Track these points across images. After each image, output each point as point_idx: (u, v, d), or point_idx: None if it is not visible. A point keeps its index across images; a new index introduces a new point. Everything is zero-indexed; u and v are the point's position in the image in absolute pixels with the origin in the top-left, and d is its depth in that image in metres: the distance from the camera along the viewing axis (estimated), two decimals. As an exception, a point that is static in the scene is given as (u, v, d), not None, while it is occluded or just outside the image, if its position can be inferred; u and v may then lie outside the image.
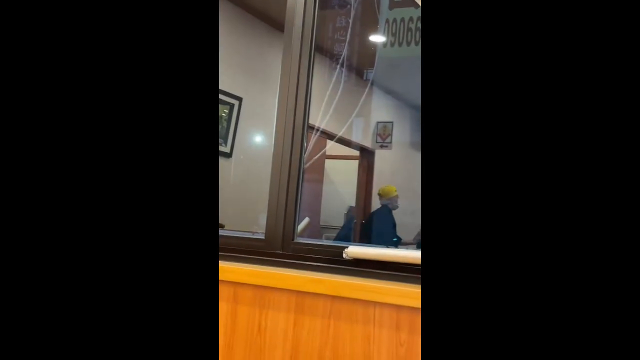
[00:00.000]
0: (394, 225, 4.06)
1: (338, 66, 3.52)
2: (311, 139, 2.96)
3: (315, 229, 4.16)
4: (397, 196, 4.23)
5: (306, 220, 2.11)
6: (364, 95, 4.01)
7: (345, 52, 3.56)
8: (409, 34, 2.75)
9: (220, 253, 1.83)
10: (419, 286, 1.41)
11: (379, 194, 4.27)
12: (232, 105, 3.52)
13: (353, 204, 4.78)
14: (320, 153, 3.79)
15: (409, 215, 4.09)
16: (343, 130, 3.93)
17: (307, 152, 1.99)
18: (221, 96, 3.45)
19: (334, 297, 1.52)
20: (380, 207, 4.23)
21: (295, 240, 1.80)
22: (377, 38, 3.68)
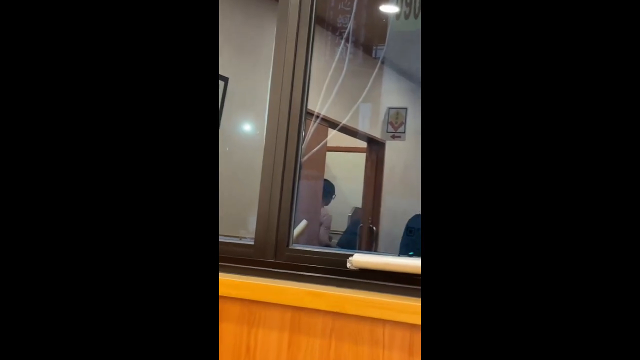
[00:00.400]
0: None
1: (342, 42, 3.52)
2: (310, 128, 2.96)
3: (314, 234, 4.17)
4: None
5: (303, 223, 2.12)
6: (372, 77, 4.01)
7: (351, 25, 3.56)
8: (427, 4, 2.75)
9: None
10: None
11: None
12: (216, 87, 3.53)
13: (359, 204, 4.78)
14: (320, 144, 3.80)
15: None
16: (347, 117, 3.93)
17: (305, 143, 2.00)
18: (204, 76, 3.45)
19: (335, 314, 1.52)
20: None
21: (290, 247, 1.80)
22: (388, 8, 3.68)
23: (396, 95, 4.63)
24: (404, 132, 4.36)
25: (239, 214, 3.24)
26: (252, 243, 1.85)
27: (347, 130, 4.35)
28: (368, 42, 4.18)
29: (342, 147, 4.97)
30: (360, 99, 3.77)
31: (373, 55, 4.26)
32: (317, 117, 2.96)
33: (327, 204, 4.68)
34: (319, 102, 2.91)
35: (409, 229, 4.09)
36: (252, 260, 1.81)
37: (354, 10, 3.49)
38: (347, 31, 3.56)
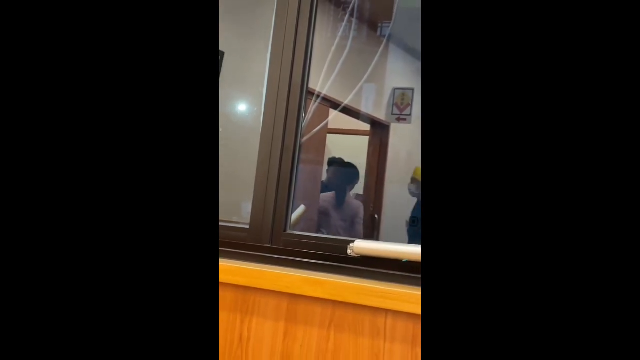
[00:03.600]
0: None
1: (346, 17, 3.53)
2: (310, 108, 2.97)
3: (313, 222, 4.19)
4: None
5: (302, 208, 2.13)
6: (377, 55, 4.00)
7: (355, 0, 3.56)
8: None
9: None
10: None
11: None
12: (210, 63, 3.52)
13: (360, 191, 4.79)
14: (320, 126, 3.80)
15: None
16: (350, 97, 3.93)
17: (305, 124, 2.01)
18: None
19: (335, 303, 1.54)
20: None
21: (287, 232, 1.82)
22: (396, -18, 3.67)
23: (402, 75, 4.62)
24: (410, 115, 4.36)
25: (232, 198, 3.25)
26: (247, 227, 1.86)
27: (349, 111, 4.34)
28: (373, 18, 4.18)
29: (343, 129, 4.95)
30: (364, 79, 3.77)
31: (378, 32, 4.25)
32: (318, 96, 2.97)
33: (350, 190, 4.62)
34: (320, 81, 2.91)
35: (412, 219, 4.11)
36: (247, 245, 1.83)
37: (359, -16, 3.49)
38: (351, 6, 3.56)
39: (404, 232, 4.11)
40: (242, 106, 3.84)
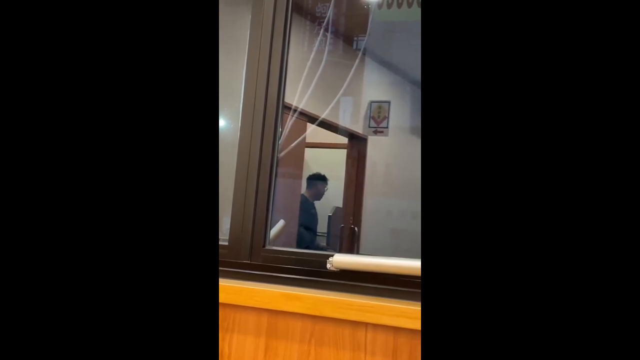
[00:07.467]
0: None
1: (321, 31, 3.53)
2: (287, 122, 2.97)
3: (292, 236, 4.18)
4: None
5: (281, 223, 2.12)
6: (353, 69, 4.02)
7: (330, 14, 3.57)
8: (411, -9, 2.77)
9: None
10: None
11: None
12: (188, 80, 3.51)
13: (339, 204, 4.80)
14: (298, 140, 3.80)
15: (409, 218, 4.11)
16: (327, 111, 3.94)
17: (282, 139, 2.00)
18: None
19: (315, 317, 1.53)
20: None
21: (266, 247, 1.81)
22: (370, -4, 3.69)
23: (378, 88, 4.65)
24: (387, 127, 4.38)
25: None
26: (226, 243, 1.85)
27: (327, 125, 4.36)
28: (349, 32, 4.20)
29: (321, 143, 4.98)
30: (341, 92, 3.78)
31: (354, 46, 4.28)
32: (295, 110, 2.96)
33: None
34: (297, 95, 2.91)
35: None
36: (226, 262, 1.81)
37: (333, -2, 3.50)
38: (326, 20, 3.56)
39: (384, 243, 4.11)
40: (220, 122, 3.83)
